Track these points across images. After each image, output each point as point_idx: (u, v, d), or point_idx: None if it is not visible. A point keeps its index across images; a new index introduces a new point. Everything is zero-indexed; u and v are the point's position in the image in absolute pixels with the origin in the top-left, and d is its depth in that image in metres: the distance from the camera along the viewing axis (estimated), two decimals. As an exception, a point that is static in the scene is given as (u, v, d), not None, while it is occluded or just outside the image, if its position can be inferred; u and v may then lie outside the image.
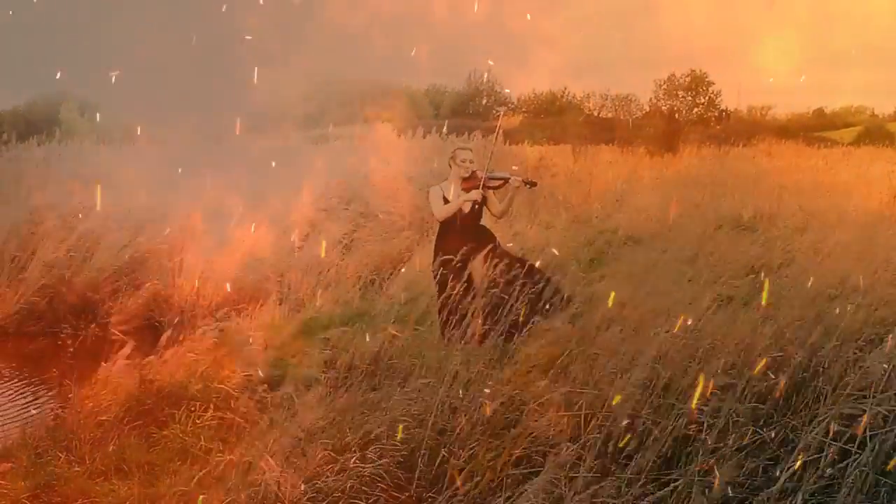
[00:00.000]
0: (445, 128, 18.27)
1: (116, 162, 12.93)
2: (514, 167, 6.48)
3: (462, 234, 6.21)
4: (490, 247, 6.19)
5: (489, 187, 6.28)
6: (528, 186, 6.32)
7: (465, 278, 6.03)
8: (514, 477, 3.92)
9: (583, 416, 4.39)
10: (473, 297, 6.05)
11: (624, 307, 5.73)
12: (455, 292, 5.98)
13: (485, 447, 4.07)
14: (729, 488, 3.73)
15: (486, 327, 5.76)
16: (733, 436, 3.97)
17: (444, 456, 4.08)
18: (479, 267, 6.12)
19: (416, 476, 3.99)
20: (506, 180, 6.27)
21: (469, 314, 6.05)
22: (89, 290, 9.45)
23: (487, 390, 4.51)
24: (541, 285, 5.86)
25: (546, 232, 10.29)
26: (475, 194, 6.19)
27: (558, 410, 4.39)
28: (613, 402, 4.29)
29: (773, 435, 4.06)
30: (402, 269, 8.78)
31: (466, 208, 6.26)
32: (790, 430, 4.12)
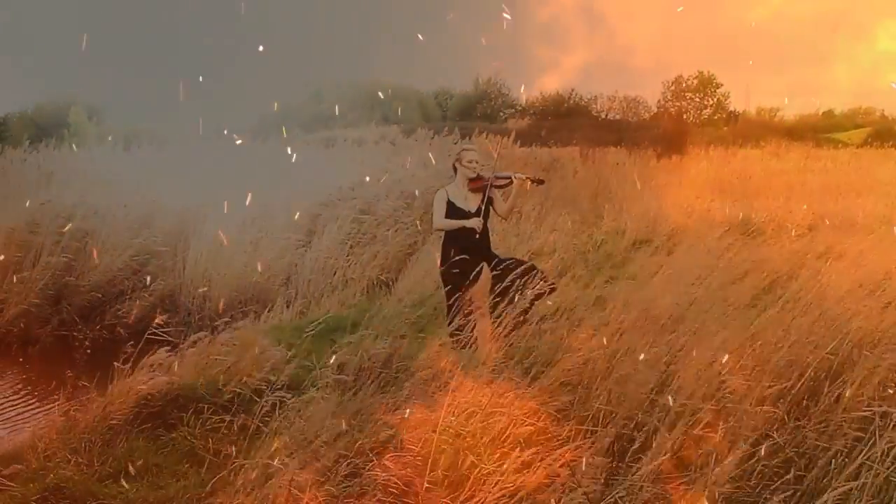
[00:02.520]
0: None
1: (122, 164, 12.97)
2: (517, 173, 6.39)
3: (469, 237, 6.17)
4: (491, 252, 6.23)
5: (496, 187, 6.25)
6: (535, 184, 6.27)
7: (472, 281, 6.01)
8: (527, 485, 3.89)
9: (599, 419, 4.37)
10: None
11: (632, 310, 5.70)
12: (463, 295, 5.97)
13: (507, 458, 4.04)
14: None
15: (495, 327, 5.76)
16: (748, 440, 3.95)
17: (463, 462, 4.04)
18: (486, 271, 6.10)
19: (433, 482, 3.96)
20: (510, 180, 6.23)
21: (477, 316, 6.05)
22: (95, 291, 9.47)
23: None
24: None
25: (553, 234, 10.25)
26: (475, 223, 6.18)
27: (571, 417, 4.38)
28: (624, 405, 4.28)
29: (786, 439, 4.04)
30: (411, 271, 8.77)
31: (472, 208, 6.21)
32: (805, 434, 4.09)
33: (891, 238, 7.78)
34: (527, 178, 6.22)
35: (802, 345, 4.77)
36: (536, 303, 5.75)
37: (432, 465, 4.02)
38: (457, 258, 6.07)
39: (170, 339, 6.15)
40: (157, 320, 6.17)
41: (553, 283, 6.13)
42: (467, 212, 6.22)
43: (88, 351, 8.23)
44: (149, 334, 5.93)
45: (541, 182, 6.35)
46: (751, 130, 26.98)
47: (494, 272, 6.05)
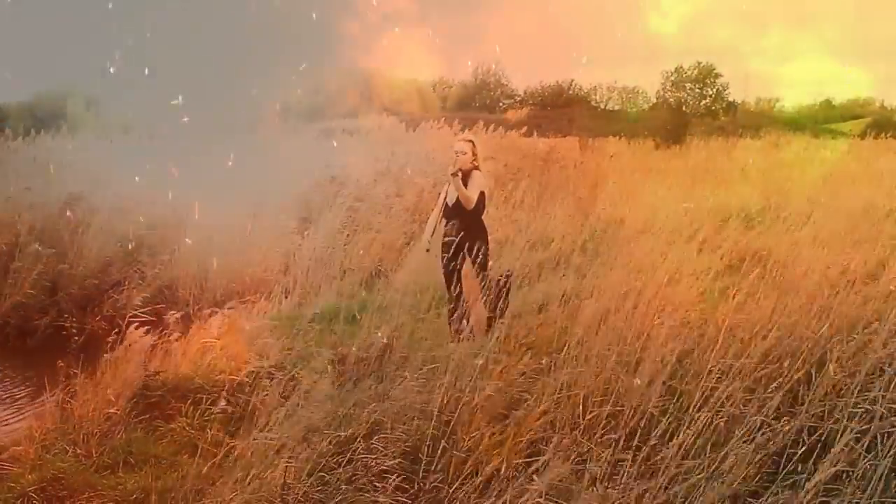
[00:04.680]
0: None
1: (118, 154, 12.93)
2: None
3: (464, 227, 6.16)
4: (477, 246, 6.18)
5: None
6: (453, 177, 6.16)
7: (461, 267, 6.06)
8: (518, 466, 3.91)
9: (581, 402, 4.39)
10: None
11: (628, 298, 5.71)
12: (461, 285, 5.98)
13: (488, 433, 4.07)
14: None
15: (490, 316, 5.79)
16: (743, 428, 3.96)
17: (448, 445, 4.06)
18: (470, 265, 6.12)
19: (422, 466, 3.99)
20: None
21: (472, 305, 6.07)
22: (92, 280, 9.46)
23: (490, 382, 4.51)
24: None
25: (552, 223, 10.25)
26: (425, 244, 6.37)
27: (557, 397, 4.40)
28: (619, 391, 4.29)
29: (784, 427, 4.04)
30: (407, 261, 8.76)
31: (451, 200, 6.24)
32: (801, 421, 4.10)
33: (888, 228, 7.79)
34: (452, 172, 6.10)
35: (792, 330, 4.79)
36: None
37: (425, 450, 4.05)
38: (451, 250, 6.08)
39: (169, 329, 6.14)
40: (136, 300, 6.17)
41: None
42: (447, 205, 6.25)
43: (86, 342, 8.20)
44: (137, 320, 5.92)
45: (455, 174, 6.17)
46: (750, 121, 26.95)
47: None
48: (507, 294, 6.01)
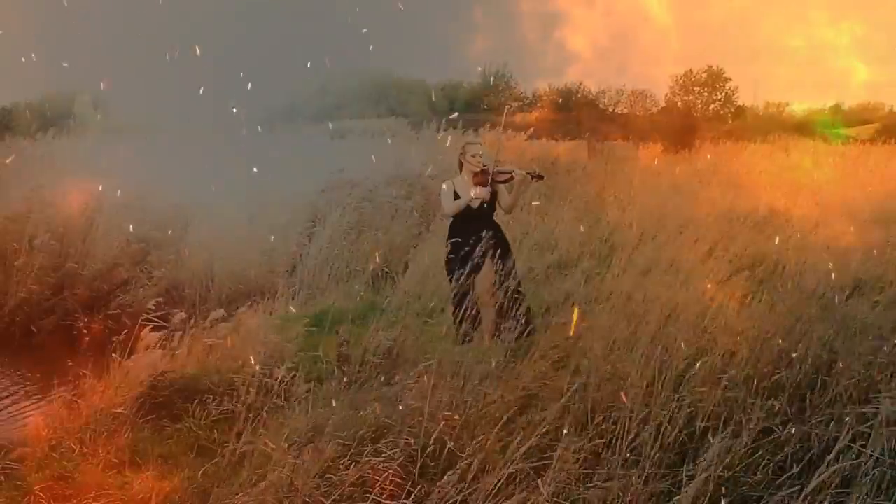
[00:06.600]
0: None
1: (123, 153, 12.94)
2: (512, 166, 6.38)
3: (475, 229, 6.15)
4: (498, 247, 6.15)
5: (497, 181, 6.25)
6: (534, 179, 6.25)
7: (478, 273, 6.00)
8: (525, 470, 3.90)
9: (589, 407, 4.38)
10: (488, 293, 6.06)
11: (636, 302, 5.70)
12: (468, 287, 5.95)
13: (495, 437, 4.05)
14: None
15: (499, 322, 5.76)
16: (747, 432, 3.94)
17: (455, 449, 4.06)
18: (489, 264, 6.08)
19: (428, 469, 3.98)
20: (511, 174, 6.22)
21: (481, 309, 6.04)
22: (97, 280, 9.47)
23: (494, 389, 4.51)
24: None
25: (560, 227, 10.23)
26: (483, 192, 6.17)
27: (566, 402, 4.39)
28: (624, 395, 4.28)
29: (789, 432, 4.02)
30: (414, 263, 8.77)
31: (475, 204, 6.24)
32: (806, 426, 4.08)
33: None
34: (527, 173, 6.20)
35: (801, 335, 4.78)
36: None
37: (431, 453, 4.04)
38: (459, 247, 6.07)
39: (174, 328, 6.14)
40: (150, 304, 6.16)
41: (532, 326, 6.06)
42: (471, 210, 6.24)
43: (93, 341, 8.22)
44: (151, 323, 5.92)
45: (540, 177, 6.33)
46: (759, 125, 26.88)
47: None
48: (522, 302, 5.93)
